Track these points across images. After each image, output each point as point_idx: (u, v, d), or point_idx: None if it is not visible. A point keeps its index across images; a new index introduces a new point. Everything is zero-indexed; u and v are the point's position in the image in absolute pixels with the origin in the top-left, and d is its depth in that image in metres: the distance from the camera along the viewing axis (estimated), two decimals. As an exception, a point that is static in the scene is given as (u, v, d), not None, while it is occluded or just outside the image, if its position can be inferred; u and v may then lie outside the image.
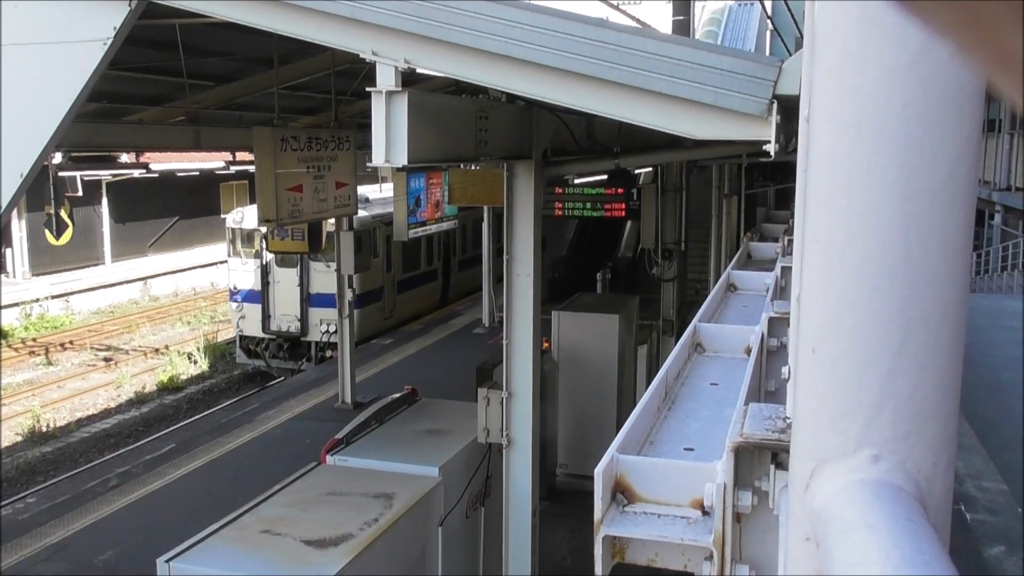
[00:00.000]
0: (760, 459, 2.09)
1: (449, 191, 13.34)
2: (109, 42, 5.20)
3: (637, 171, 14.49)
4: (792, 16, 11.07)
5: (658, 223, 13.76)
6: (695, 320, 4.39)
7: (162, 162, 25.40)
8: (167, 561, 5.80)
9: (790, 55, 5.91)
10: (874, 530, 0.89)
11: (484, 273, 19.31)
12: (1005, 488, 7.92)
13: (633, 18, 13.48)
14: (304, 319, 19.06)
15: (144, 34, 7.56)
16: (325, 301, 17.70)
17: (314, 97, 13.03)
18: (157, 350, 22.60)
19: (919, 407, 1.03)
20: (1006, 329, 14.81)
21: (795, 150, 2.51)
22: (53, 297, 25.26)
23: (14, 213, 21.04)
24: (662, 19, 18.96)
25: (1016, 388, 11.36)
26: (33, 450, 16.22)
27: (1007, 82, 0.43)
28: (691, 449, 2.87)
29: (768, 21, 19.87)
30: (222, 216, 27.02)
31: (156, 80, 10.67)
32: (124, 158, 19.21)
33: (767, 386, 3.50)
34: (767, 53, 23.98)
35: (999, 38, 0.41)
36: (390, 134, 4.87)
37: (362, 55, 4.90)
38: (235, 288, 19.74)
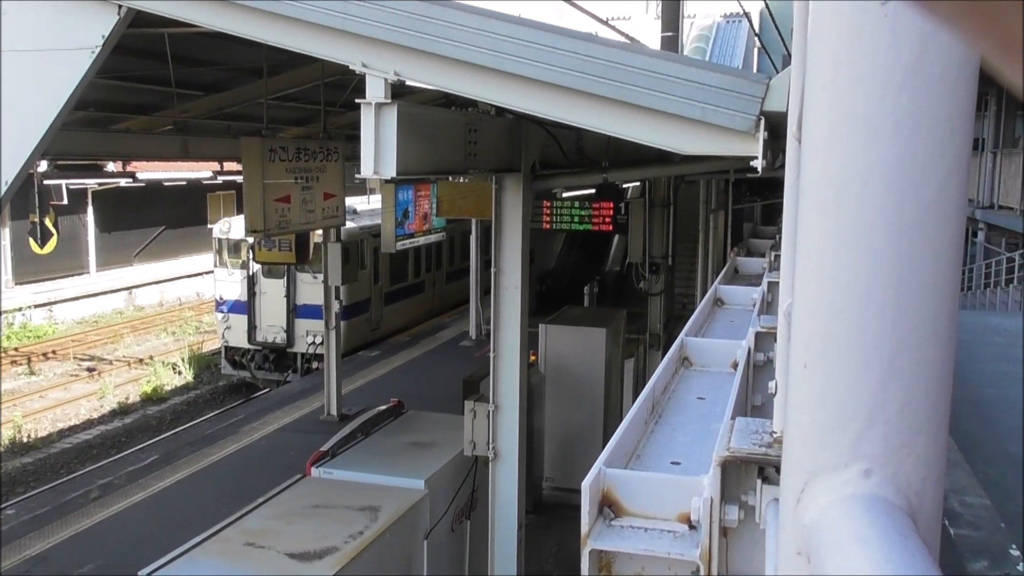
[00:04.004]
0: (747, 473, 2.09)
1: (437, 203, 13.34)
2: (97, 50, 5.19)
3: (625, 185, 14.55)
4: (779, 33, 11.18)
5: (646, 237, 13.81)
6: (682, 334, 4.41)
7: (149, 171, 25.28)
8: (149, 574, 5.74)
9: (777, 72, 5.97)
10: (865, 544, 0.90)
11: (472, 285, 19.36)
12: (988, 503, 7.95)
13: (622, 34, 13.56)
14: (290, 330, 18.98)
15: (133, 43, 7.55)
16: (311, 312, 17.65)
17: (303, 108, 13.02)
18: (141, 360, 22.44)
19: (910, 421, 1.03)
20: (989, 345, 14.92)
21: (782, 166, 2.52)
22: (36, 306, 25.05)
23: (-2, 221, 20.93)
24: (651, 35, 19.11)
25: (999, 403, 11.44)
26: (13, 461, 16.04)
27: (1009, 67, 0.45)
28: (678, 463, 2.88)
29: (756, 38, 20.05)
30: (209, 226, 26.92)
31: (144, 89, 10.63)
32: (110, 167, 19.11)
33: (754, 400, 3.51)
34: (755, 70, 24.18)
35: (1002, 24, 0.42)
36: (379, 146, 4.87)
37: (352, 67, 4.91)
38: (221, 298, 19.65)
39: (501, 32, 4.63)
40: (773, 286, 4.99)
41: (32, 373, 21.29)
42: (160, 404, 19.66)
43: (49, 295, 25.82)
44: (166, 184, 28.94)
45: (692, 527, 2.34)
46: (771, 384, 2.11)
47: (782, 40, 11.35)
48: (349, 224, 15.39)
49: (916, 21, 0.94)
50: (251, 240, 16.12)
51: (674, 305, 15.87)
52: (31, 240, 13.55)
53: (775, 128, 4.33)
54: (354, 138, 5.65)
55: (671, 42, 14.45)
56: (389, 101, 4.85)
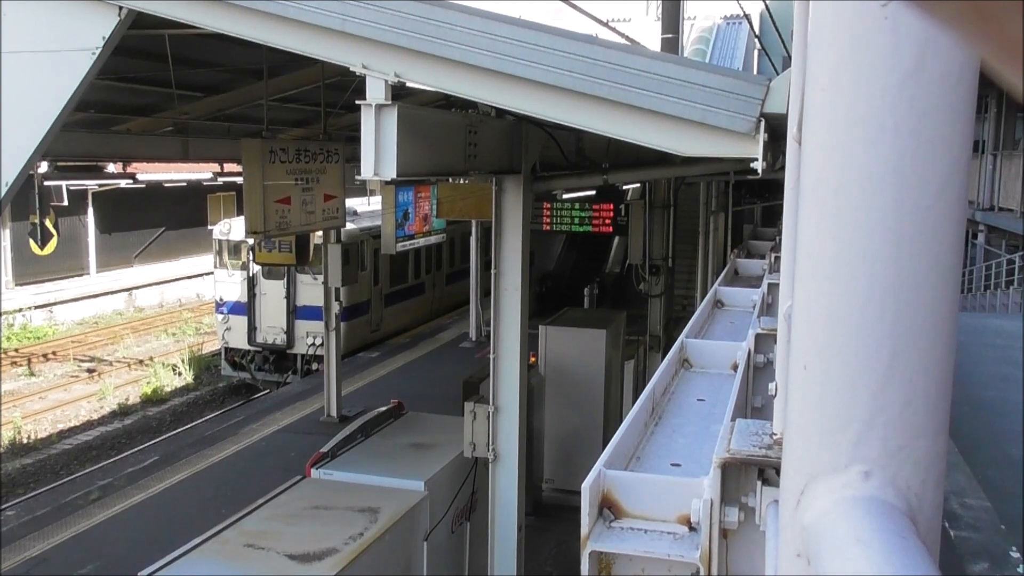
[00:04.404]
0: (747, 475, 2.09)
1: (437, 205, 13.35)
2: (98, 52, 5.19)
3: (625, 187, 14.56)
4: (779, 35, 11.18)
5: (646, 239, 13.81)
6: (682, 336, 4.41)
7: (149, 172, 25.30)
8: (149, 575, 5.74)
9: (777, 74, 5.97)
10: (865, 546, 0.90)
11: (472, 287, 19.36)
12: (988, 505, 7.95)
13: (622, 35, 13.56)
14: (290, 331, 18.98)
15: (133, 44, 7.55)
16: (311, 314, 17.64)
17: (303, 109, 13.02)
18: (141, 361, 22.43)
19: (909, 423, 1.03)
20: (989, 347, 14.91)
21: (782, 168, 2.52)
22: (36, 307, 25.05)
23: (-2, 222, 20.93)
24: (651, 37, 19.10)
25: (999, 406, 11.43)
26: (13, 462, 16.04)
27: (1010, 70, 0.45)
28: (678, 465, 2.88)
29: (756, 40, 20.06)
30: (209, 227, 26.92)
31: (144, 90, 10.64)
32: (111, 168, 19.15)
33: (754, 402, 3.51)
34: (755, 72, 24.19)
35: (1002, 28, 0.42)
36: (379, 147, 4.88)
37: (352, 68, 4.91)
38: (221, 300, 19.65)
39: (501, 34, 4.63)
40: (773, 288, 5.00)
41: (32, 374, 21.28)
42: (160, 405, 19.66)
43: (49, 296, 25.82)
44: (166, 185, 28.94)
45: (692, 529, 2.34)
46: (771, 386, 2.11)
47: (782, 42, 11.36)
48: (349, 225, 15.39)
49: (916, 23, 0.94)
50: (251, 241, 16.12)
51: (674, 307, 15.87)
52: (31, 241, 13.55)
53: (775, 130, 4.33)
54: (354, 139, 5.65)
55: (671, 44, 14.46)
56: (389, 103, 4.85)
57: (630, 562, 2.33)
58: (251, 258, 18.27)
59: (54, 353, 22.63)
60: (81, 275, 28.42)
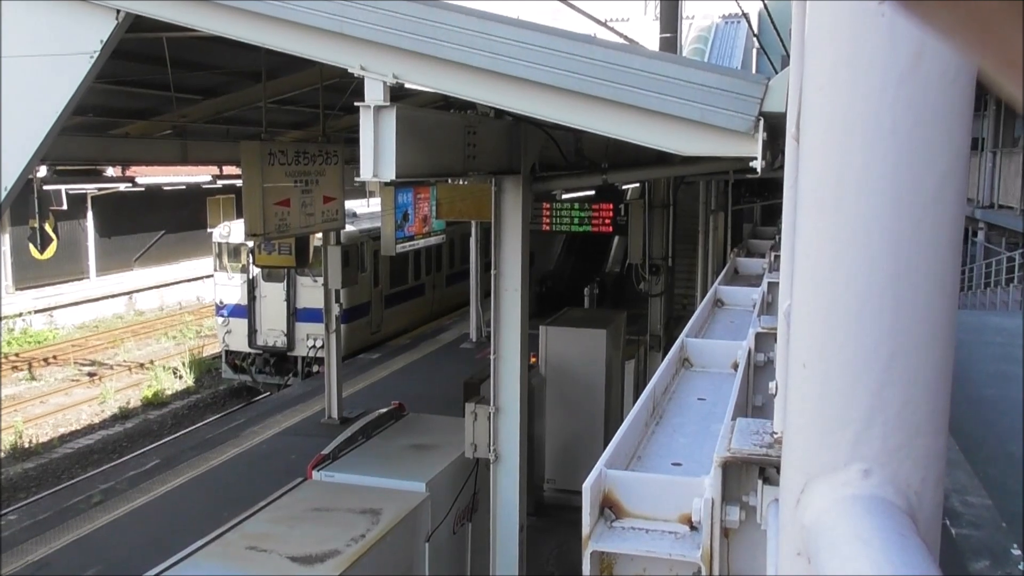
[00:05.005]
0: (748, 474, 2.09)
1: (437, 206, 13.36)
2: (96, 55, 5.19)
3: (624, 186, 14.56)
4: (778, 34, 11.18)
5: (645, 238, 13.81)
6: (683, 335, 4.41)
7: (148, 176, 25.28)
8: (151, 578, 5.74)
9: (776, 73, 5.97)
10: (865, 544, 0.90)
11: (472, 288, 19.37)
12: (989, 503, 7.95)
13: (621, 35, 13.56)
14: (290, 334, 18.98)
15: (131, 47, 7.56)
16: (312, 316, 17.65)
17: (302, 111, 13.03)
18: (142, 365, 22.43)
19: (909, 421, 1.03)
20: (990, 345, 14.90)
21: (781, 167, 2.52)
22: (36, 312, 25.05)
23: (-2, 226, 20.91)
24: (649, 36, 19.11)
25: (999, 404, 11.43)
26: (15, 466, 16.04)
27: (1008, 80, 0.44)
28: (679, 464, 2.87)
29: (754, 39, 20.06)
30: (209, 230, 26.92)
31: (143, 93, 10.64)
32: (110, 172, 19.12)
33: (754, 401, 3.50)
34: (753, 71, 24.18)
35: (1001, 37, 0.42)
36: (378, 149, 4.88)
37: (351, 70, 4.92)
38: (221, 302, 19.66)
39: (499, 34, 4.63)
40: (773, 287, 4.99)
41: (33, 378, 21.28)
42: (161, 408, 19.65)
43: (49, 300, 25.81)
44: (166, 188, 28.93)
45: (693, 528, 2.34)
46: (771, 385, 2.11)
47: (781, 41, 11.35)
48: (349, 227, 15.39)
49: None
50: (251, 244, 16.12)
51: (674, 306, 15.86)
52: (31, 245, 13.55)
53: (774, 129, 4.33)
54: (353, 141, 5.66)
55: (669, 43, 14.46)
56: (388, 104, 4.85)
57: (631, 562, 2.33)
58: (251, 261, 18.27)
59: (55, 357, 22.64)
60: (81, 279, 28.40)
